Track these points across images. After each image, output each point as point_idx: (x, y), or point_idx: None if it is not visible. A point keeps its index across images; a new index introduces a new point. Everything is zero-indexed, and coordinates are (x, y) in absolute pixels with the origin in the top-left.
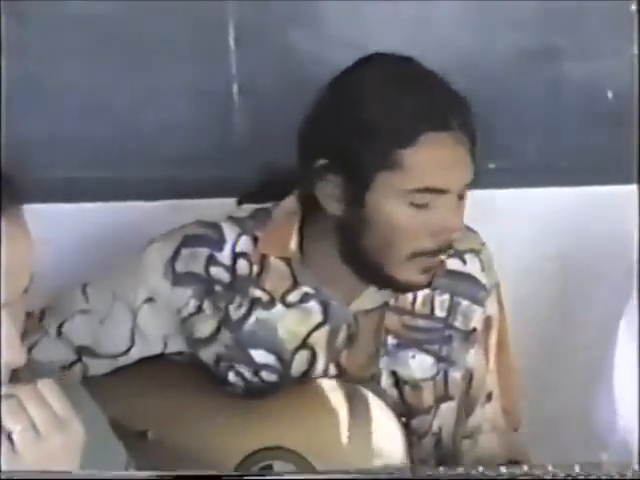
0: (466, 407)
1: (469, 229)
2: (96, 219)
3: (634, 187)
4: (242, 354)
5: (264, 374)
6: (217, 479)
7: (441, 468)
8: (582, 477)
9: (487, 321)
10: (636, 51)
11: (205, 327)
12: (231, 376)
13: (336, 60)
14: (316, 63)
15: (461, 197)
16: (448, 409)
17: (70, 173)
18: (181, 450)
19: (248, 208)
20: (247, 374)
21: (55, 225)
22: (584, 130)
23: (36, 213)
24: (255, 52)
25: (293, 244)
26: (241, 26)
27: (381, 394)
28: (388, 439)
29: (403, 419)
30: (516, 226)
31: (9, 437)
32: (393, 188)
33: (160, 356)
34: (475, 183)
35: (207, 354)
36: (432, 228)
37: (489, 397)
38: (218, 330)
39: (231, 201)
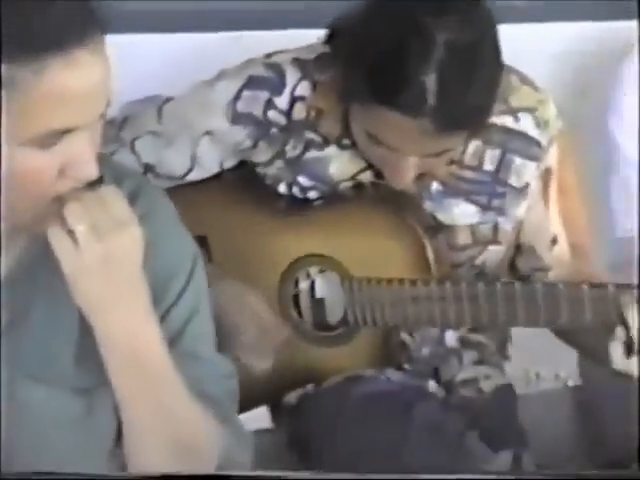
0: (523, 251)
1: (529, 84)
2: (164, 49)
3: None
4: (291, 178)
5: (311, 194)
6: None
7: None
8: None
9: (546, 173)
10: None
11: (259, 157)
12: (282, 187)
13: None
14: None
15: None
16: (495, 250)
17: (144, 6)
18: (236, 255)
19: (316, 49)
20: (295, 190)
21: (128, 54)
22: None
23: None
24: None
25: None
26: None
27: (415, 210)
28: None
29: (429, 232)
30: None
31: (72, 236)
32: None
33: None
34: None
35: (260, 170)
36: None
37: (554, 241)
38: (272, 159)
39: (291, 33)
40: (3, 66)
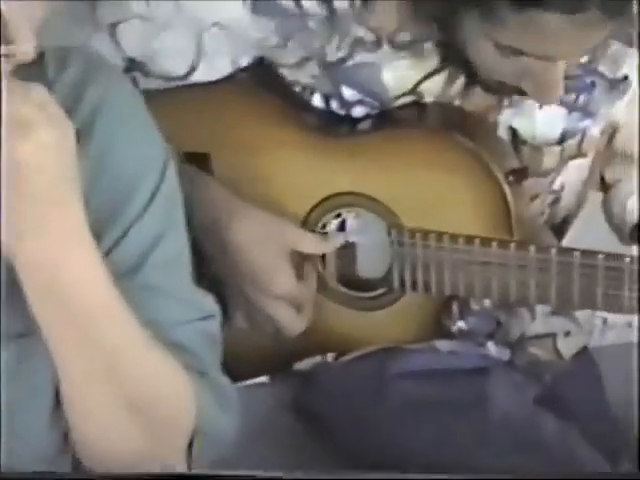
0: (614, 159)
1: None
2: None
3: None
4: (332, 88)
5: (356, 110)
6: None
7: None
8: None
9: None
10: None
11: (288, 58)
12: (316, 99)
13: None
14: None
15: None
16: (578, 167)
17: None
18: (247, 181)
19: None
20: (334, 105)
21: None
22: None
23: None
24: None
25: None
26: None
27: (493, 144)
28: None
29: (510, 178)
30: None
31: None
32: None
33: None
34: None
35: (288, 73)
36: None
37: None
38: (305, 61)
39: None
40: None
